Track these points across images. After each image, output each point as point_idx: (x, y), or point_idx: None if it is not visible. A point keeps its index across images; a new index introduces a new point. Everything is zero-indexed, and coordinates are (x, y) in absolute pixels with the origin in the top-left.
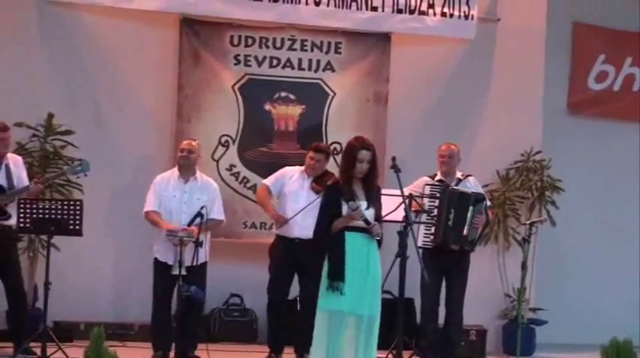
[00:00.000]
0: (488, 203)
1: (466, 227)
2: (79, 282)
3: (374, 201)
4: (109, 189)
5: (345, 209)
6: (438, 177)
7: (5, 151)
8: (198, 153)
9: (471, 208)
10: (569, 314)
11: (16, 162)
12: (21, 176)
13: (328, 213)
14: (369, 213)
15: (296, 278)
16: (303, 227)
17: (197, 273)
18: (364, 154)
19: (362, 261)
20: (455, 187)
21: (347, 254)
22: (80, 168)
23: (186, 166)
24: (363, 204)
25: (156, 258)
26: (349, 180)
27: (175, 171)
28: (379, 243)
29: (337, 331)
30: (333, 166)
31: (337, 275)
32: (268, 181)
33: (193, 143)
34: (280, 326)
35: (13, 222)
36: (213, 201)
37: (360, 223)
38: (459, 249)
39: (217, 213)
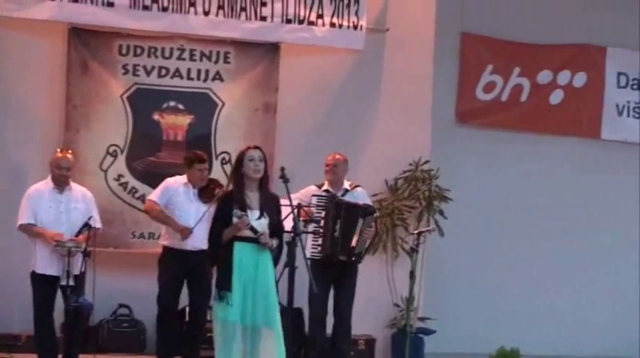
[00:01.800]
0: (377, 214)
1: (355, 239)
2: None
3: (270, 210)
4: None
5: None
6: (325, 186)
7: None
8: (74, 167)
9: (360, 220)
10: (457, 323)
11: None
12: None
13: (219, 223)
14: (261, 223)
15: (185, 288)
16: (194, 238)
17: (80, 283)
18: (252, 152)
19: (249, 271)
20: (341, 198)
21: (234, 264)
22: None
23: (63, 182)
24: (256, 213)
25: (33, 271)
26: (241, 187)
27: (49, 182)
28: (278, 254)
29: (230, 341)
30: (221, 176)
31: (224, 285)
32: (154, 196)
33: (69, 156)
34: (169, 337)
35: None
36: (91, 209)
37: (248, 233)
38: (347, 260)
39: (97, 222)
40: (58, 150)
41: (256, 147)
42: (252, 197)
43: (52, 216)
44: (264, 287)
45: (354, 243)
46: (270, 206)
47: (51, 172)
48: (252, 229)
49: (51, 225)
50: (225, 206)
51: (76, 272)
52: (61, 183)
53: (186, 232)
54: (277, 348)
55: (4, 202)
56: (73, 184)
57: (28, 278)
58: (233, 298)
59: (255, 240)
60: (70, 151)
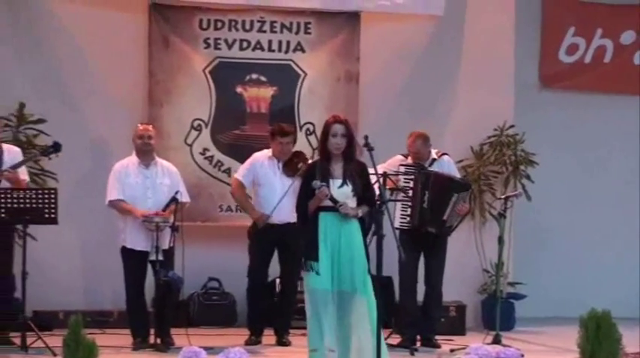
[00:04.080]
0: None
1: (447, 212)
2: (55, 271)
3: (353, 178)
4: (81, 176)
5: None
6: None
7: None
8: (156, 139)
9: (455, 195)
10: (547, 287)
11: (11, 151)
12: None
13: (305, 194)
14: (343, 191)
15: (275, 259)
16: (280, 212)
17: (169, 258)
18: (337, 128)
19: (334, 240)
20: (430, 169)
21: (320, 233)
22: (52, 149)
23: (148, 152)
24: (338, 181)
25: (124, 246)
26: (326, 157)
27: (134, 157)
28: (369, 222)
29: (320, 310)
30: (305, 147)
31: (310, 255)
32: (240, 175)
33: (150, 128)
34: (260, 309)
35: None
36: (177, 184)
37: (328, 202)
38: (436, 232)
39: (184, 196)
40: (139, 124)
41: (341, 122)
42: (336, 166)
43: (138, 191)
44: (348, 255)
45: (445, 216)
46: (354, 174)
47: (134, 145)
48: (332, 199)
49: (137, 201)
50: (309, 177)
51: (165, 246)
52: (145, 155)
53: (261, 220)
54: (369, 314)
55: (89, 180)
56: (158, 159)
57: (118, 254)
58: (321, 267)
59: (335, 208)
60: (151, 125)
